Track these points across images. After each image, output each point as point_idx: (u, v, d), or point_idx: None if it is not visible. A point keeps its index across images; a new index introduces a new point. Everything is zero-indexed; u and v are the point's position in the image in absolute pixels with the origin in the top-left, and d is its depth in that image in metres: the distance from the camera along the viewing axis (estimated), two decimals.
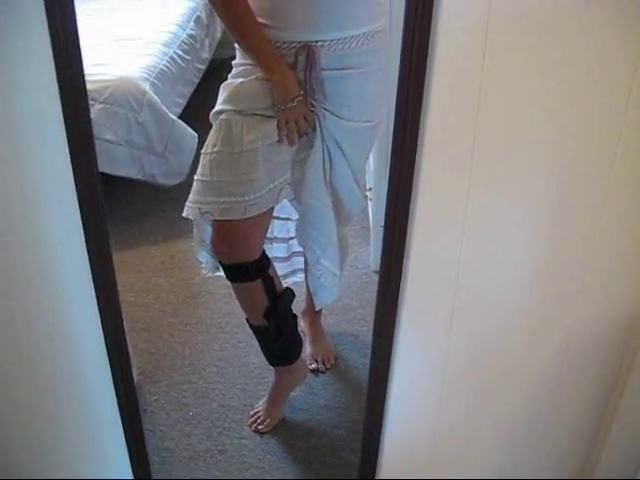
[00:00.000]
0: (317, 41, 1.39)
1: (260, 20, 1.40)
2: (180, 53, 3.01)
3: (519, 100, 0.99)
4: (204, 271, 1.70)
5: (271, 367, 1.81)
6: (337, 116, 1.48)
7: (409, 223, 1.09)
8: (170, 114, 2.62)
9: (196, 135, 2.68)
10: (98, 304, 1.14)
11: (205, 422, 1.80)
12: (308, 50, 1.39)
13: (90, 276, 1.11)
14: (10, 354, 1.15)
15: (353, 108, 1.49)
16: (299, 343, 1.80)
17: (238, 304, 1.68)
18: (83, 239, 1.07)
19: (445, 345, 1.22)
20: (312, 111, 1.47)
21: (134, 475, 1.36)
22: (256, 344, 1.83)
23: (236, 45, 1.48)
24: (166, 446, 1.73)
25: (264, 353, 1.78)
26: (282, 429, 1.79)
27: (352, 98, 1.48)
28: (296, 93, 1.42)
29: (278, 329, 1.65)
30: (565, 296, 1.16)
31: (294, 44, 1.40)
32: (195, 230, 1.62)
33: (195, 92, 3.12)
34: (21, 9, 0.89)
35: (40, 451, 1.26)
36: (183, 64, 3.00)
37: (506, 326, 1.20)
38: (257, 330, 1.70)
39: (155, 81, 2.66)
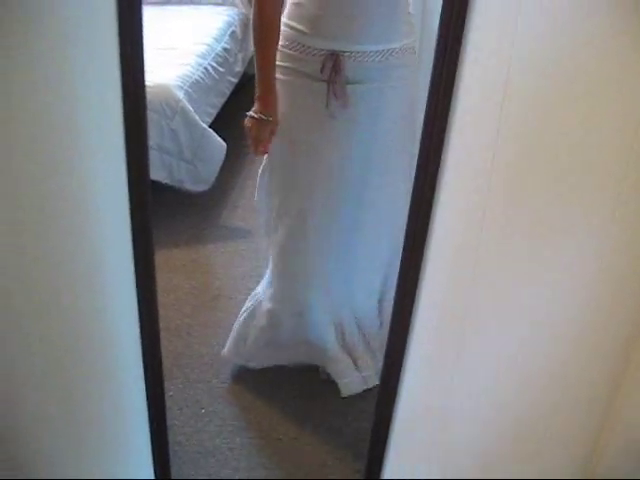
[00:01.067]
0: (345, 51, 1.46)
1: (295, 25, 1.47)
2: (214, 65, 3.11)
3: (540, 130, 1.05)
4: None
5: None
6: (359, 139, 1.54)
7: (425, 248, 1.14)
8: (201, 123, 2.70)
9: (225, 144, 2.74)
10: (138, 304, 1.18)
11: (217, 420, 1.85)
12: (335, 59, 1.46)
13: (132, 277, 1.17)
14: (46, 352, 1.18)
15: (377, 125, 1.54)
16: None
17: None
18: (129, 241, 1.15)
19: (454, 360, 1.27)
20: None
21: (155, 476, 1.39)
22: None
23: None
24: (177, 440, 1.78)
25: None
26: (291, 431, 1.83)
27: (375, 114, 1.52)
28: (271, 114, 1.54)
29: None
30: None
31: (323, 51, 1.47)
32: None
33: (226, 103, 3.21)
34: (92, 18, 0.94)
35: (66, 450, 1.29)
36: (216, 76, 3.10)
37: (512, 352, 1.25)
38: None
39: (189, 90, 2.75)
